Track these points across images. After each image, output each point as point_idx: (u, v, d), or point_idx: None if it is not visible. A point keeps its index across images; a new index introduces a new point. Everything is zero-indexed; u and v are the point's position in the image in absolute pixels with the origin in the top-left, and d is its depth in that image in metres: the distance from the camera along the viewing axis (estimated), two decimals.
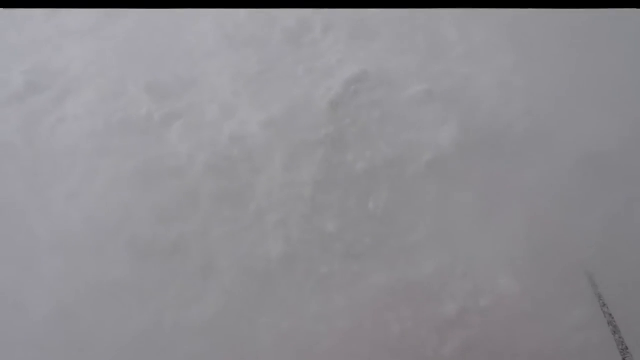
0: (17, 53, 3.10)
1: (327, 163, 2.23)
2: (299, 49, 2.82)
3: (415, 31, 2.89)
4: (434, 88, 2.47)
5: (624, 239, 2.04)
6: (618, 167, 2.22)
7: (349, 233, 2.14)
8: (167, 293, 2.09)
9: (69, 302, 2.10)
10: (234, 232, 2.15)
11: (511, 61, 2.68)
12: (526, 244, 2.02)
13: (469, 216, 2.09)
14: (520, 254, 2.01)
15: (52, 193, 2.45)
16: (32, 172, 2.56)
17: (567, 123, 2.32)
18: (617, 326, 1.82)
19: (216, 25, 3.01)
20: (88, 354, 1.97)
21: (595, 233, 2.02)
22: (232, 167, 2.27)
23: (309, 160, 2.23)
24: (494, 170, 2.18)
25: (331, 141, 2.30)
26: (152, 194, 2.27)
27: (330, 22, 2.92)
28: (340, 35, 2.88)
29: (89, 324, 2.04)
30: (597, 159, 2.21)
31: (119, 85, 2.65)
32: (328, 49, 2.77)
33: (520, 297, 1.95)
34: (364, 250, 2.11)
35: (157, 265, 2.13)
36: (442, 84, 2.49)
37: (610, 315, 1.87)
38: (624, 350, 1.76)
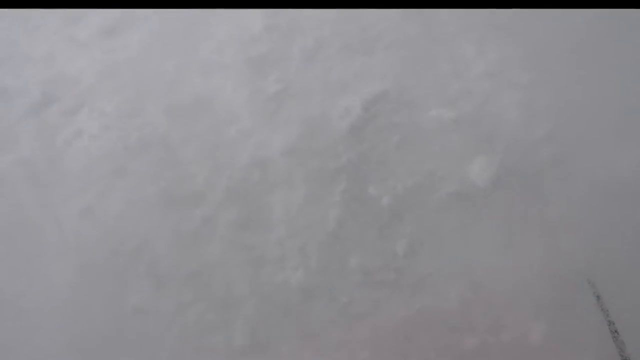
0: (32, 63, 3.09)
1: (348, 192, 2.22)
2: (316, 65, 2.79)
3: (431, 47, 2.85)
4: (453, 111, 2.44)
5: None
6: None
7: (369, 262, 2.13)
8: (187, 320, 2.10)
9: (84, 328, 2.12)
10: (253, 259, 2.15)
11: (531, 79, 2.63)
12: (548, 277, 2.01)
13: (490, 247, 2.08)
14: (541, 287, 2.00)
15: (66, 210, 2.46)
16: (47, 187, 2.57)
17: (590, 148, 2.28)
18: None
19: (230, 38, 2.97)
20: None
21: (619, 267, 2.00)
22: (251, 193, 2.26)
23: (329, 187, 2.21)
24: (516, 201, 2.15)
25: (352, 167, 2.28)
26: (170, 219, 2.26)
27: (347, 38, 2.88)
28: (356, 52, 2.83)
29: (104, 351, 2.05)
30: (623, 187, 2.18)
31: (136, 103, 2.63)
32: (345, 66, 2.73)
33: (541, 332, 1.95)
34: (385, 279, 2.10)
35: (176, 292, 2.14)
36: (462, 107, 2.45)
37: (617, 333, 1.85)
38: None
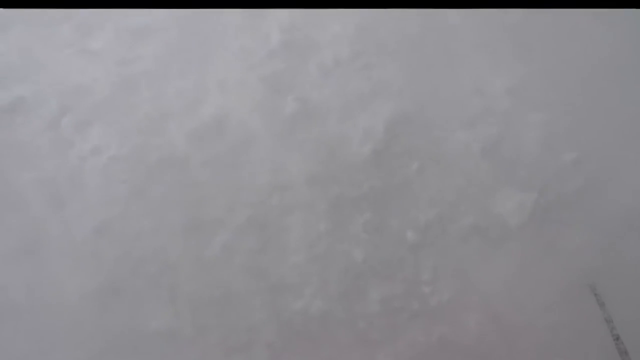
0: (48, 73, 3.05)
1: (369, 223, 2.21)
2: (332, 80, 2.75)
3: (449, 62, 2.80)
4: (474, 135, 2.41)
5: None
6: None
7: (389, 289, 2.14)
8: (207, 345, 2.12)
9: (101, 349, 2.13)
10: (273, 286, 2.16)
11: (554, 99, 2.58)
12: (567, 310, 2.01)
13: (511, 279, 2.08)
14: (563, 320, 2.00)
15: (83, 229, 2.46)
16: (65, 205, 2.56)
17: (617, 173, 2.23)
18: None
19: (243, 51, 2.92)
20: None
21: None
22: (271, 220, 2.26)
23: (350, 215, 2.21)
24: (540, 232, 2.14)
25: (373, 195, 2.27)
26: (191, 243, 2.27)
27: (364, 53, 2.83)
28: (374, 66, 2.79)
29: None
30: None
31: (155, 123, 2.61)
32: (364, 84, 2.69)
33: None
34: (404, 307, 2.11)
35: (198, 317, 2.15)
36: (484, 130, 2.41)
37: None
38: None
